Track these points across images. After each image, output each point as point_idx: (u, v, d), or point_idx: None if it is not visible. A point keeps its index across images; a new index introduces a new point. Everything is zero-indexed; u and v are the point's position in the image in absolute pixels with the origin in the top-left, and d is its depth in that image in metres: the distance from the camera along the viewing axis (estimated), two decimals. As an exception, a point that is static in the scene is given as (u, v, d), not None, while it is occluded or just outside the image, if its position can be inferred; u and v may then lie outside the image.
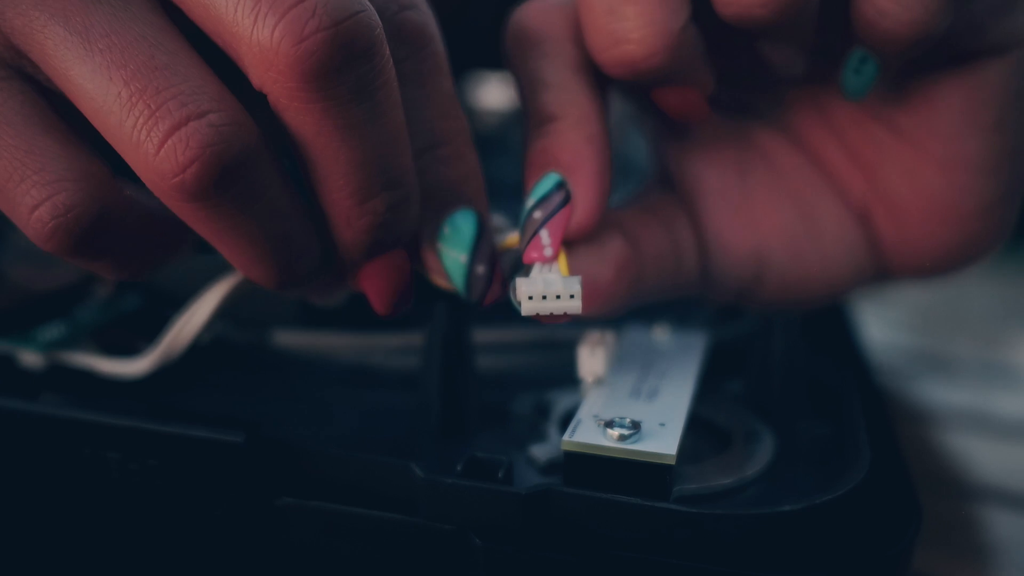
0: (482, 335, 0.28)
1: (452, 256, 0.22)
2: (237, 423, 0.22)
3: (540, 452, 0.23)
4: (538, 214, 0.22)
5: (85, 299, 0.29)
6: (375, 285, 0.22)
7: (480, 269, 0.22)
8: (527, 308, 0.21)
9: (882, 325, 0.53)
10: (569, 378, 0.25)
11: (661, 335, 0.27)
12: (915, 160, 0.24)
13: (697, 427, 0.25)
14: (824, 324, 0.31)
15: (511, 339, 0.29)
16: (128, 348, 0.26)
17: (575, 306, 0.21)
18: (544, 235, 0.22)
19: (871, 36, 0.21)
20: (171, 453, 0.22)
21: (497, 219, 0.24)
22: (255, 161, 0.18)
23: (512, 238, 0.23)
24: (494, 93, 0.56)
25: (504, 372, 0.28)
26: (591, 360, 0.24)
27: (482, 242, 0.22)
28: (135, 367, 0.25)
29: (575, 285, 0.21)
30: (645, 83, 0.23)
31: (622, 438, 0.20)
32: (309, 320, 0.29)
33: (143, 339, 0.26)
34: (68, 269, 0.30)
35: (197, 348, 0.27)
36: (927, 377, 0.46)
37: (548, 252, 0.22)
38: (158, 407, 0.23)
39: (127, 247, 0.21)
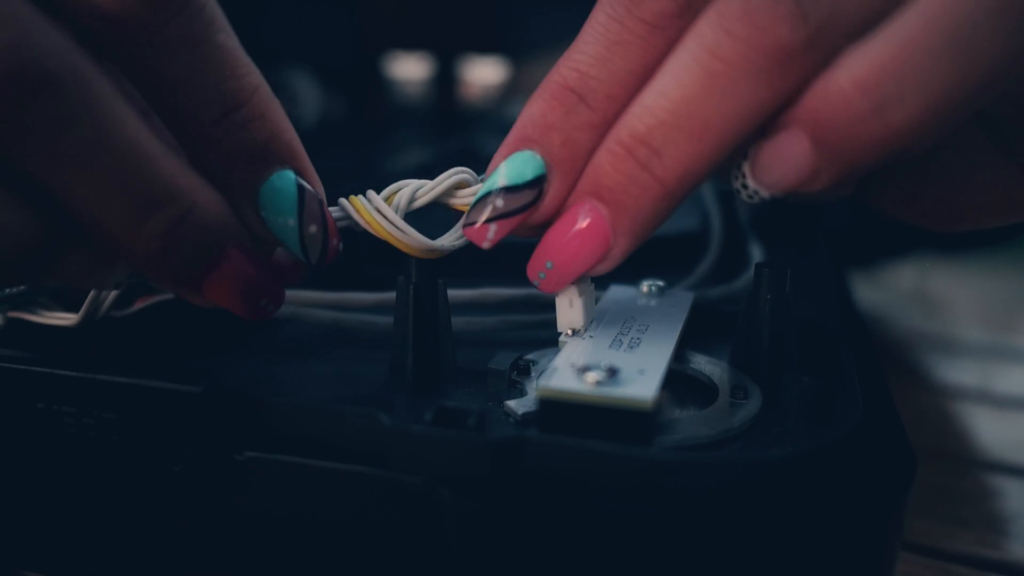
0: (463, 294, 0.27)
1: (279, 222, 0.20)
2: (195, 373, 0.21)
3: (516, 405, 0.22)
4: (500, 203, 0.21)
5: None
6: (222, 294, 0.20)
7: (312, 228, 0.21)
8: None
9: (887, 309, 0.52)
10: (553, 341, 0.24)
11: (645, 294, 0.26)
12: None
13: (682, 384, 0.24)
14: (816, 281, 0.30)
15: (492, 299, 0.28)
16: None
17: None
18: (492, 229, 0.21)
19: None
20: (127, 405, 0.21)
21: (463, 175, 0.22)
22: None
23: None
24: (485, 70, 0.55)
25: (485, 332, 0.27)
26: (570, 312, 0.23)
27: (307, 200, 0.21)
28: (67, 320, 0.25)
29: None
30: None
31: (599, 383, 0.19)
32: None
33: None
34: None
35: (161, 305, 0.26)
36: (932, 356, 0.46)
37: (486, 245, 0.21)
38: (113, 358, 0.22)
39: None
